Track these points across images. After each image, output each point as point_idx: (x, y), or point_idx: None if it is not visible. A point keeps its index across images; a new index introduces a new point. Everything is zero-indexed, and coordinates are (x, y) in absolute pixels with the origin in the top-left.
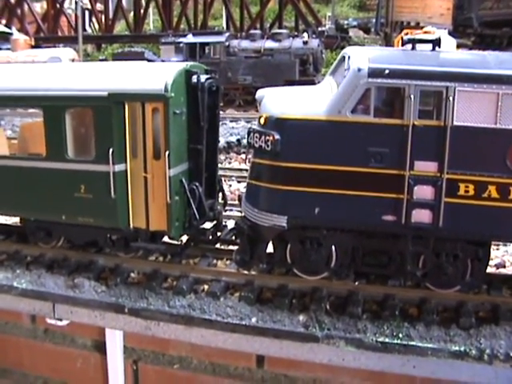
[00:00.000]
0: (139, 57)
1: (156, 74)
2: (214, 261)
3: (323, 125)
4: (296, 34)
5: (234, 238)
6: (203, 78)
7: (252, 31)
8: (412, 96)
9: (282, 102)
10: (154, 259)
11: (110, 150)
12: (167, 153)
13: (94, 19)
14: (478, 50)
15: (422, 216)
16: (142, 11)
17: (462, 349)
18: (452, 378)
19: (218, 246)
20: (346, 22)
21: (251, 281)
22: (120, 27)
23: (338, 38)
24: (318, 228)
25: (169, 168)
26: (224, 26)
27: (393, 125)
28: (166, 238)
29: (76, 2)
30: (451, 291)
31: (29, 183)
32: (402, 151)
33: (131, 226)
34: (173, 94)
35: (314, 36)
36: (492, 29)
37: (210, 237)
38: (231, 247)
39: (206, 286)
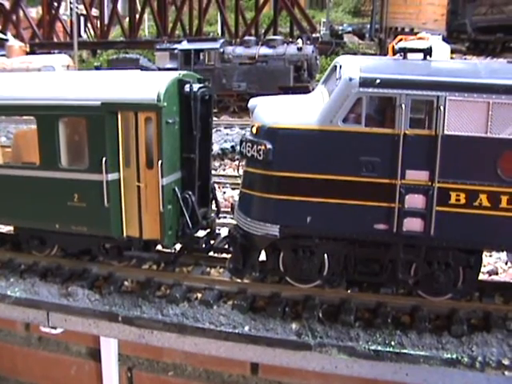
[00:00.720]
0: (134, 63)
1: (149, 84)
2: (208, 269)
3: (315, 134)
4: (290, 40)
5: (226, 246)
6: (196, 87)
7: (246, 38)
8: (403, 105)
9: (274, 111)
10: (148, 268)
11: (104, 159)
12: (160, 162)
13: (89, 25)
14: (472, 56)
15: (413, 224)
16: (137, 17)
17: (454, 356)
18: None
19: (211, 254)
20: (340, 27)
21: (244, 289)
22: (115, 33)
23: (332, 43)
24: (310, 237)
25: (162, 177)
26: (219, 31)
27: (384, 134)
28: (159, 247)
29: (71, 8)
30: (443, 299)
31: (22, 192)
32: (394, 160)
33: (124, 234)
34: (165, 104)
35: (308, 42)
36: (486, 34)
37: (204, 245)
38: (225, 255)
39: (199, 295)
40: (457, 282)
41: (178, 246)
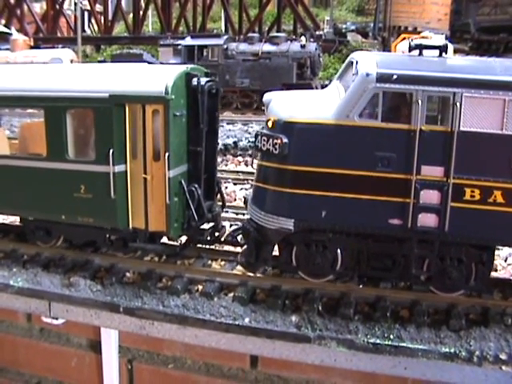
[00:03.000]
0: (138, 59)
1: (157, 77)
2: (209, 261)
3: (331, 129)
4: (294, 37)
5: (238, 239)
6: (203, 80)
7: (250, 34)
8: (420, 101)
9: (290, 105)
10: (150, 259)
11: (111, 151)
12: (167, 154)
13: (93, 20)
14: (475, 56)
15: (427, 220)
16: (141, 13)
17: (452, 350)
18: (443, 380)
19: (213, 246)
20: (344, 26)
21: (245, 281)
22: (119, 28)
23: (336, 41)
24: (323, 231)
25: (168, 169)
26: (223, 28)
27: (400, 129)
28: (164, 239)
29: (75, 3)
30: (455, 295)
31: (29, 183)
32: (409, 156)
33: (130, 226)
34: (173, 97)
35: (311, 40)
36: (489, 34)
37: (208, 237)
38: (226, 248)
39: (200, 287)
40: (469, 279)
41: (182, 239)
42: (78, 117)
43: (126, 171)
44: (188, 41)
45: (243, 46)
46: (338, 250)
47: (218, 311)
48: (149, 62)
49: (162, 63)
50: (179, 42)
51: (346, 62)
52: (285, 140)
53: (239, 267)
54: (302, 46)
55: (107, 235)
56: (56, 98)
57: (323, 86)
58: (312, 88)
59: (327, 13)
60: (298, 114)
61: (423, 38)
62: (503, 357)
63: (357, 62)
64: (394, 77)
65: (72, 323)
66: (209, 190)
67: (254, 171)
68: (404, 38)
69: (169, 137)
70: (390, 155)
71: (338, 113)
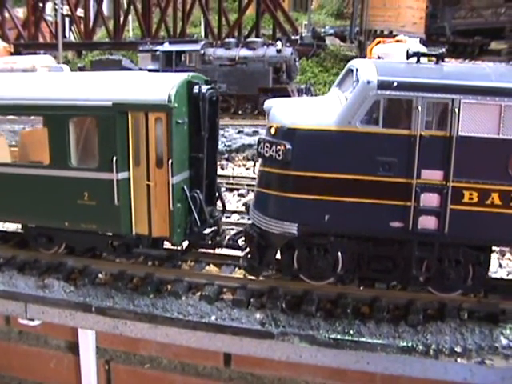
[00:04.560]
0: (117, 65)
1: (159, 85)
2: (179, 263)
3: (333, 135)
4: (270, 42)
5: (238, 243)
6: (204, 88)
7: (227, 40)
8: (419, 107)
9: (293, 112)
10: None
11: (114, 159)
12: (170, 161)
13: (74, 26)
14: (451, 59)
15: (428, 222)
16: (121, 18)
17: (410, 344)
18: (406, 374)
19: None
20: (322, 30)
21: (212, 281)
22: (101, 34)
23: (313, 45)
24: (325, 235)
25: (172, 176)
26: (202, 33)
27: (401, 135)
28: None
29: (55, 9)
30: (453, 295)
31: (32, 190)
32: (410, 160)
33: (133, 232)
34: (176, 105)
35: (287, 44)
36: (464, 37)
37: (210, 242)
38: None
39: (169, 286)
40: (467, 279)
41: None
42: (81, 125)
43: (129, 178)
44: (166, 46)
45: (220, 52)
46: (339, 253)
47: (185, 310)
48: (127, 68)
49: (140, 69)
50: (157, 47)
51: (345, 69)
52: (288, 146)
53: (209, 267)
54: (278, 51)
55: (110, 241)
56: (59, 107)
57: (299, 90)
58: (288, 92)
59: (307, 17)
60: (301, 121)
61: (398, 41)
62: (458, 349)
63: (357, 70)
64: (395, 84)
65: (50, 325)
66: (210, 196)
67: (256, 177)
68: (379, 42)
69: (172, 144)
70: (391, 160)
71: (340, 119)
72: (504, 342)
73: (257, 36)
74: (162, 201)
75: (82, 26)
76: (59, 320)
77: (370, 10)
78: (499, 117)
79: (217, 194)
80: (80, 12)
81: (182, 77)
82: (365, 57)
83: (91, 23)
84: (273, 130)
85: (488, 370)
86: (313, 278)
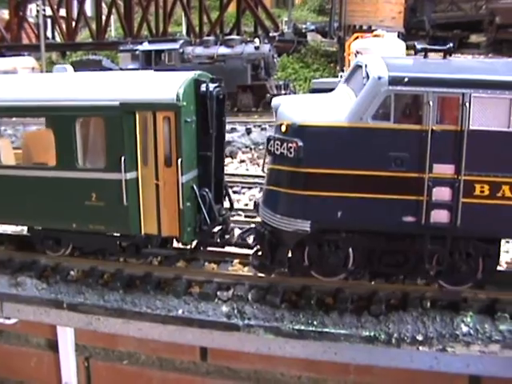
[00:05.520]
0: (97, 65)
1: (166, 84)
2: (151, 258)
3: (345, 131)
4: (249, 39)
5: (247, 241)
6: (212, 86)
7: (206, 38)
8: (430, 102)
9: (303, 110)
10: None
11: (122, 159)
12: (180, 160)
13: (57, 27)
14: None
15: (440, 216)
16: (103, 18)
17: (372, 334)
18: (373, 364)
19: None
20: (304, 26)
21: (180, 275)
22: (85, 34)
23: (294, 42)
24: (337, 231)
25: (181, 175)
26: (184, 32)
27: (412, 130)
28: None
29: (37, 11)
30: (463, 288)
31: (38, 192)
32: (422, 155)
33: (142, 232)
34: (184, 103)
35: (265, 41)
36: (444, 31)
37: (218, 240)
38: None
39: (138, 282)
40: (477, 272)
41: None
42: (87, 125)
43: (137, 178)
44: (145, 46)
45: (199, 50)
46: (350, 249)
47: (153, 304)
48: (108, 69)
49: (121, 68)
50: (137, 47)
51: (353, 65)
52: (300, 143)
53: (179, 263)
54: (256, 48)
55: (118, 242)
56: (65, 108)
57: (277, 86)
58: (266, 88)
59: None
60: (312, 118)
61: (376, 36)
62: (420, 338)
63: (366, 66)
64: (406, 79)
65: (30, 324)
66: (217, 194)
67: (265, 175)
68: (357, 37)
69: (181, 143)
70: (403, 155)
71: (352, 116)
72: (465, 329)
73: (238, 34)
74: (171, 200)
75: (64, 27)
76: (34, 317)
77: (349, 5)
78: (509, 110)
79: (224, 192)
80: (64, 13)
81: (190, 75)
82: (344, 52)
83: (73, 23)
84: (283, 128)
85: (453, 358)
86: (324, 274)
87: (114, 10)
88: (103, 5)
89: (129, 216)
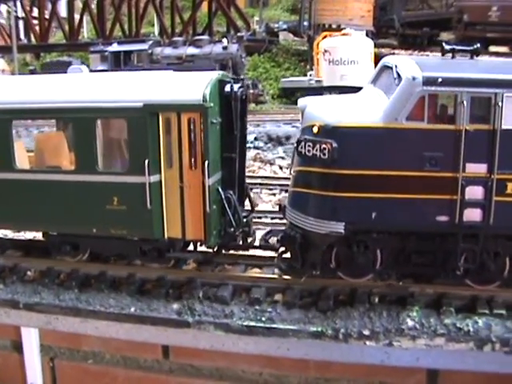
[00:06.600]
0: (66, 66)
1: (191, 85)
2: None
3: (380, 132)
4: (217, 39)
5: (270, 243)
6: (236, 87)
7: (174, 38)
8: (464, 102)
9: (335, 110)
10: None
11: (146, 161)
12: (206, 162)
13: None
14: (401, 50)
15: (473, 215)
16: (76, 19)
17: (319, 329)
18: (326, 359)
19: None
20: (276, 25)
21: (133, 274)
22: (59, 36)
23: (265, 41)
24: (368, 232)
25: (208, 177)
26: (156, 32)
27: (446, 130)
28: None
29: (8, 12)
30: (491, 287)
31: (55, 197)
32: (455, 155)
33: (166, 236)
34: (211, 104)
35: (233, 41)
36: (413, 29)
37: (241, 242)
38: None
39: (93, 281)
40: (503, 270)
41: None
42: (108, 127)
43: (161, 181)
44: (114, 47)
45: (168, 51)
46: (378, 250)
47: (107, 302)
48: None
49: (91, 70)
50: (107, 48)
51: (379, 66)
52: (334, 145)
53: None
54: (224, 48)
55: (140, 246)
56: (85, 109)
57: (248, 86)
58: None
59: (264, 13)
60: (346, 119)
61: (344, 34)
62: (366, 332)
63: (396, 66)
64: (440, 80)
65: None
66: (240, 196)
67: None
68: (325, 36)
69: (207, 145)
70: (437, 155)
71: (386, 116)
72: (410, 323)
73: (210, 34)
74: (196, 203)
75: (37, 28)
76: None
77: (319, 4)
78: None
79: (245, 194)
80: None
81: (214, 75)
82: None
83: (46, 25)
84: (315, 129)
85: (403, 352)
86: (352, 275)
87: (86, 11)
88: (76, 5)
89: (152, 220)
